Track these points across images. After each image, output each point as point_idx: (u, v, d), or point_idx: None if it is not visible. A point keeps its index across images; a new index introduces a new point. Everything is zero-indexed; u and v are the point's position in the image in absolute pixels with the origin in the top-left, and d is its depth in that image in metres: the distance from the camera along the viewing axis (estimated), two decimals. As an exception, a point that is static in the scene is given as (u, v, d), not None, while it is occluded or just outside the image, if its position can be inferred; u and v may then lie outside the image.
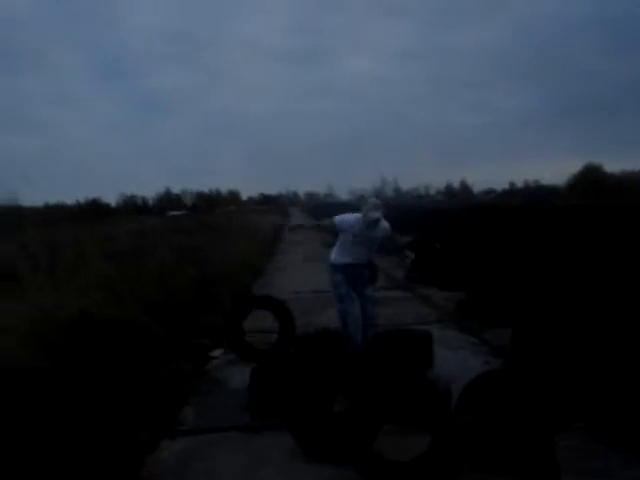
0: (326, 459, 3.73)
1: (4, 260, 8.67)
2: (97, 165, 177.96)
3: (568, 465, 3.13)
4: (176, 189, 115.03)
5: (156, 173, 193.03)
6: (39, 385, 4.23)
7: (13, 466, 3.38)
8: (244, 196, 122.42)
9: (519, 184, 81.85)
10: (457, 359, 5.88)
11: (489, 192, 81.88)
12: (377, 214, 5.44)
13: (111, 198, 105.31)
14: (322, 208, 48.87)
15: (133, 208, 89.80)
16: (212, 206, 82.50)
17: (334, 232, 6.09)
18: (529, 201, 32.67)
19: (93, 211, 61.02)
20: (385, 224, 5.74)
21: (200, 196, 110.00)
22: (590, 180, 44.78)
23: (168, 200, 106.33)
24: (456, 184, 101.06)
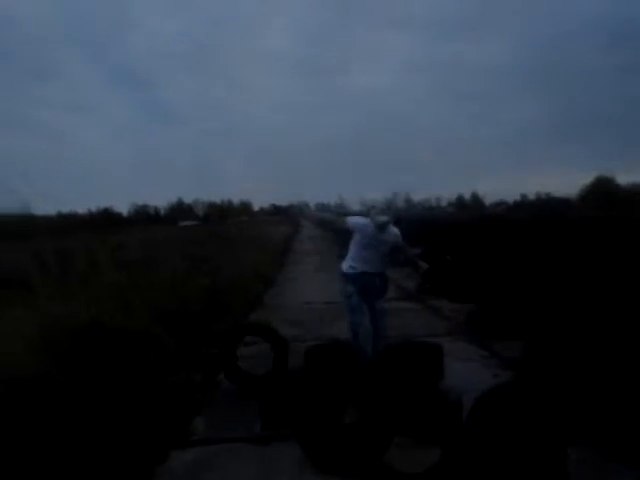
0: (336, 471, 3.72)
1: (17, 268, 8.72)
2: (109, 174, 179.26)
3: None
4: (188, 199, 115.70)
5: (168, 183, 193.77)
6: (46, 393, 4.25)
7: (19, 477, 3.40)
8: (256, 207, 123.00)
9: (531, 196, 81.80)
10: (467, 371, 5.85)
11: (500, 203, 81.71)
12: (384, 218, 5.55)
13: (123, 208, 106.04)
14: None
15: (145, 218, 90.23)
16: (224, 216, 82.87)
17: (343, 233, 6.09)
18: (540, 213, 32.55)
19: (105, 220, 61.35)
20: (395, 230, 5.81)
21: (212, 206, 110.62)
22: (602, 192, 44.60)
23: (180, 210, 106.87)
24: (467, 195, 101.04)
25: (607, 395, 4.16)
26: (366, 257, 5.67)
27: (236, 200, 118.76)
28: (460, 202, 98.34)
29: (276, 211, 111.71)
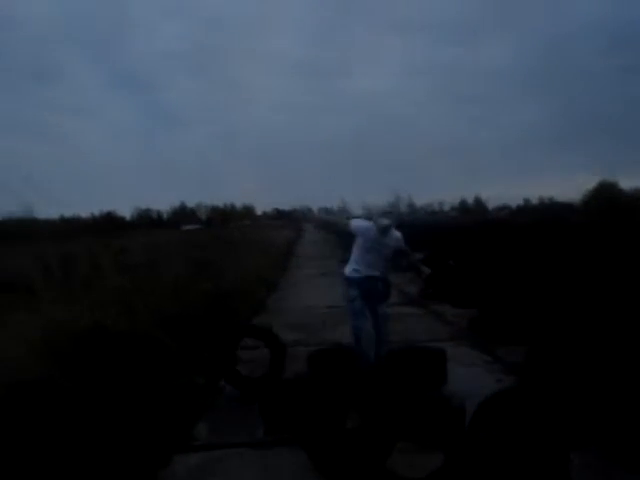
0: (339, 476, 3.72)
1: (20, 272, 8.74)
2: (112, 178, 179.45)
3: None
4: (191, 203, 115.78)
5: (171, 186, 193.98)
6: (50, 397, 4.26)
7: None
8: (258, 211, 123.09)
9: (534, 200, 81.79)
10: (470, 376, 5.84)
11: (503, 208, 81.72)
12: (386, 221, 5.55)
13: (126, 211, 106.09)
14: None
15: (148, 222, 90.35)
16: (226, 220, 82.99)
17: (346, 236, 6.13)
18: (543, 217, 32.52)
19: (108, 224, 61.42)
20: (398, 234, 5.83)
21: (215, 210, 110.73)
22: (605, 197, 44.51)
23: (183, 214, 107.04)
24: (470, 200, 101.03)
25: (610, 400, 4.15)
26: (369, 260, 5.68)
27: (239, 204, 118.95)
28: (463, 207, 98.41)
29: (279, 215, 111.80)
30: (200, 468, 4.07)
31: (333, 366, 5.38)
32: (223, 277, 10.93)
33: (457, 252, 13.38)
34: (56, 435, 3.83)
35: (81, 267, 7.84)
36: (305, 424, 3.95)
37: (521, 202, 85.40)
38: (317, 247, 31.18)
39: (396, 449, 3.45)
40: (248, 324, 8.04)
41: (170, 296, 7.96)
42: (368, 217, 6.11)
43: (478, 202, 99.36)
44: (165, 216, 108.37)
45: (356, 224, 5.85)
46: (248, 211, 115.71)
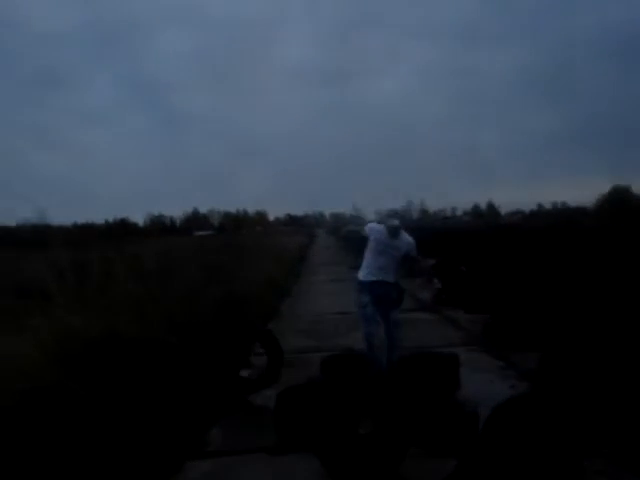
0: (352, 482, 3.71)
1: (35, 278, 8.79)
2: (126, 184, 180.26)
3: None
4: (203, 209, 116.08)
5: (184, 193, 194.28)
6: (63, 403, 4.28)
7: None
8: (271, 216, 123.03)
9: (547, 205, 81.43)
10: (483, 382, 5.82)
11: (516, 213, 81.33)
12: (396, 221, 5.82)
13: (139, 218, 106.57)
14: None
15: (161, 228, 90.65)
16: (239, 226, 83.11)
17: (358, 243, 6.25)
18: (556, 222, 32.35)
19: (121, 231, 61.70)
20: (410, 239, 5.97)
21: (227, 216, 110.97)
22: (618, 201, 44.29)
23: (195, 220, 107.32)
24: (483, 205, 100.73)
25: (624, 406, 4.12)
26: (381, 264, 5.76)
27: (251, 210, 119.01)
28: (476, 211, 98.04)
29: (291, 221, 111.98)
30: (212, 475, 4.07)
31: (346, 372, 5.38)
32: (237, 283, 10.95)
33: (469, 257, 13.31)
34: (69, 441, 3.85)
35: (95, 273, 7.87)
36: (318, 430, 3.95)
37: (534, 207, 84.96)
38: (329, 253, 31.22)
39: (409, 455, 3.44)
40: (252, 328, 8.06)
41: (183, 302, 7.97)
42: (380, 221, 6.25)
43: (491, 207, 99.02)
44: (178, 222, 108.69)
45: (370, 227, 6.10)
46: (261, 217, 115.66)
